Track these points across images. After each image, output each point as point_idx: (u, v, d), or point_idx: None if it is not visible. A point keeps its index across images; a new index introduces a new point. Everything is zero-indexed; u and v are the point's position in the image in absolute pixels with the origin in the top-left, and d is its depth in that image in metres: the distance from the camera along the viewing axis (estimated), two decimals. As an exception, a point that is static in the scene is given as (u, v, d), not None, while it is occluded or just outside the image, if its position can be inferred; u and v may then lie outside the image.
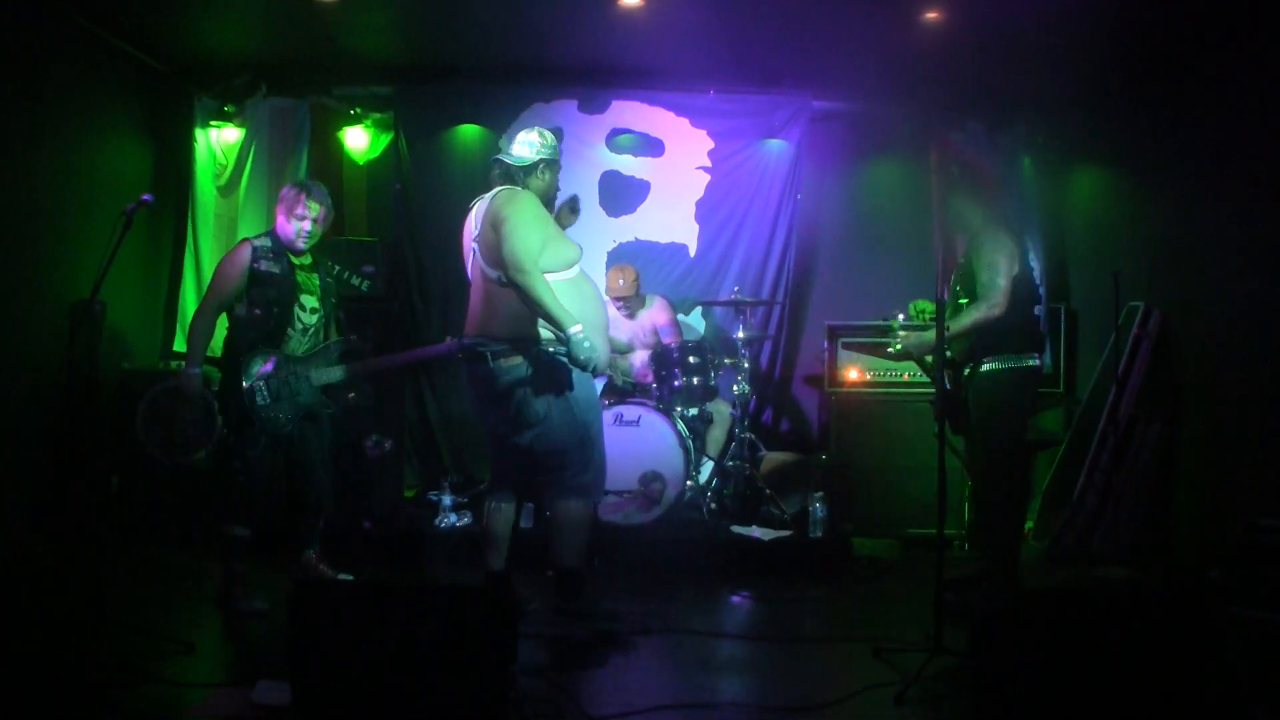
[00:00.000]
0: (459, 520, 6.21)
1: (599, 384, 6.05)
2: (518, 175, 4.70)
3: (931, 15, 5.99)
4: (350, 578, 5.27)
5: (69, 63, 6.38)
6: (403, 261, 7.65)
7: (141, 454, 6.34)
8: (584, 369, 4.44)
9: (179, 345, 7.30)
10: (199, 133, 7.58)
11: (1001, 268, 4.92)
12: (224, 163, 7.68)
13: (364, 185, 8.00)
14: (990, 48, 6.18)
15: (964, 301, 5.04)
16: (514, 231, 4.42)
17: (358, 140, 7.81)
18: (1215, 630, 3.58)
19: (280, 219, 5.14)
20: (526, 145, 4.74)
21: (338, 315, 5.45)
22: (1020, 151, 7.71)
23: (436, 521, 6.19)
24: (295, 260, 5.19)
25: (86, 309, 5.90)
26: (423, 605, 3.51)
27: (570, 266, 4.59)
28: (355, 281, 6.96)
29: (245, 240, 5.19)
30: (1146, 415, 6.33)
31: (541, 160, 4.72)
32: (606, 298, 6.60)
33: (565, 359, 4.46)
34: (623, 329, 7.07)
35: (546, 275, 4.43)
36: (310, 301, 5.20)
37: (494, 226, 4.50)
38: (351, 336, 5.61)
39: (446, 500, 6.30)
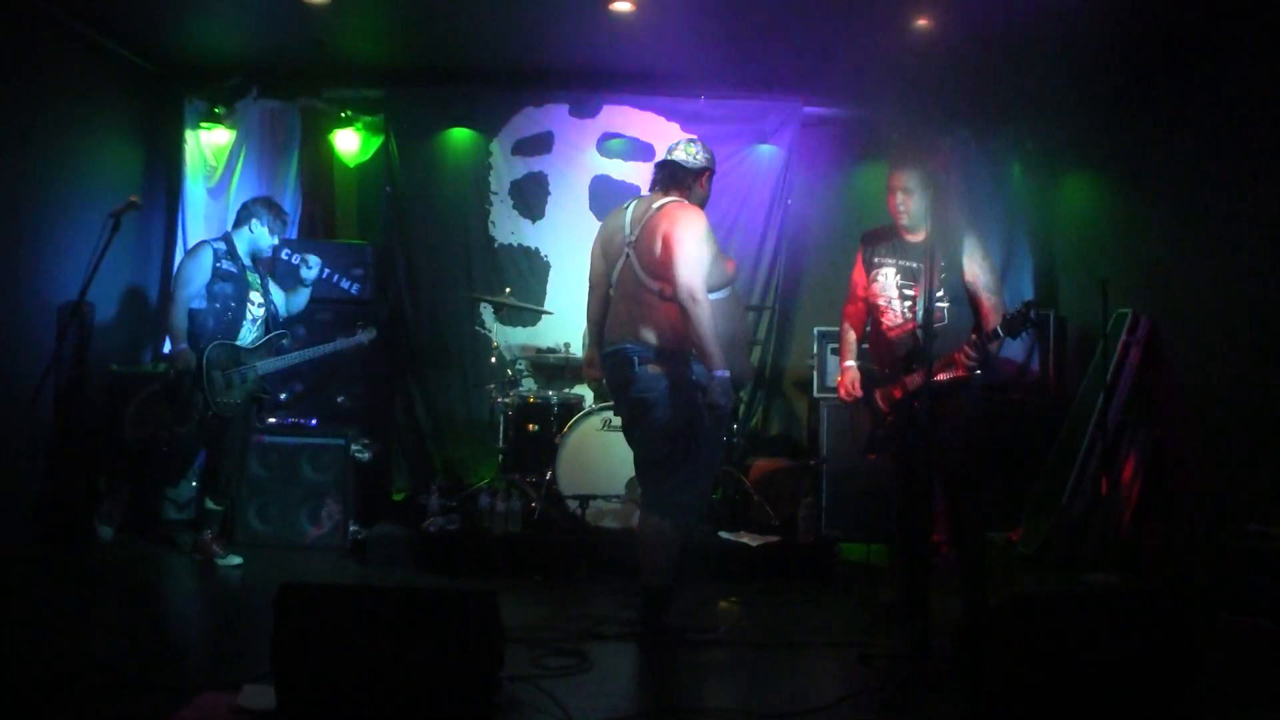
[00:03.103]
0: (448, 524, 6.19)
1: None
2: (686, 180, 4.65)
3: (922, 22, 6.01)
4: (239, 560, 5.81)
5: (59, 64, 6.36)
6: (393, 264, 7.65)
7: (128, 453, 6.40)
8: (712, 410, 4.44)
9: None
10: (189, 134, 7.56)
11: (996, 268, 4.86)
12: (214, 165, 7.64)
13: (355, 188, 7.99)
14: (980, 55, 6.18)
15: (944, 305, 4.74)
16: (690, 256, 4.38)
17: (348, 143, 7.81)
18: (1203, 636, 3.58)
19: (265, 231, 5.92)
20: (693, 150, 4.69)
21: (274, 310, 6.06)
22: (1009, 158, 7.74)
23: (425, 525, 6.17)
24: (245, 262, 5.90)
25: (75, 310, 5.88)
26: (410, 609, 3.49)
27: (725, 287, 4.56)
28: (345, 284, 6.96)
29: (204, 242, 5.89)
30: (1135, 421, 6.36)
31: (707, 170, 4.71)
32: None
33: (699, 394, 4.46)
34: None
35: None
36: (257, 298, 5.90)
37: (664, 243, 4.43)
38: (297, 329, 6.44)
39: (435, 504, 6.28)
